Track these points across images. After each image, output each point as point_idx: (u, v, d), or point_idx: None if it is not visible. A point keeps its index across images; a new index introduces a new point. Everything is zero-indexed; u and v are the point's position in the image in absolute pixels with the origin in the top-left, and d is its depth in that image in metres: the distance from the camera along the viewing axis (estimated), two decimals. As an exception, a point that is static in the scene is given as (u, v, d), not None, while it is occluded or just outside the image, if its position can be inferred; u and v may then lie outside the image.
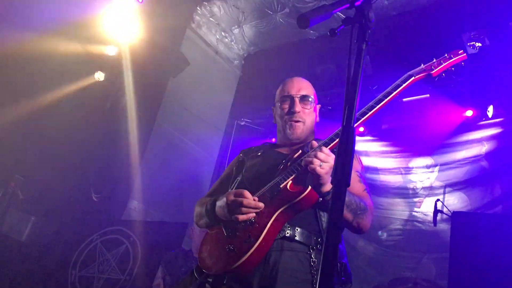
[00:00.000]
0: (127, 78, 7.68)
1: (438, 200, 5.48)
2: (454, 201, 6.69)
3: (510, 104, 6.29)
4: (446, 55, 2.54)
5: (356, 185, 2.29)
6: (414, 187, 7.29)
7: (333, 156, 2.03)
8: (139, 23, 7.54)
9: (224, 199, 2.16)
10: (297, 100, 2.51)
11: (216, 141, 8.93)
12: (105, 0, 7.39)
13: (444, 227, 6.19)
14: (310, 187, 2.05)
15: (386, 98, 2.28)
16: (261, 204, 2.09)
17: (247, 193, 2.11)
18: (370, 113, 2.22)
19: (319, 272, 2.01)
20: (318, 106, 2.65)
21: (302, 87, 2.58)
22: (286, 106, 2.54)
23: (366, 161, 7.21)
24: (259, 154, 2.53)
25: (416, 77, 2.43)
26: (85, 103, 7.65)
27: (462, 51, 2.54)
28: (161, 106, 8.00)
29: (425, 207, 7.04)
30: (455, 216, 4.89)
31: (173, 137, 8.14)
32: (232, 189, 2.37)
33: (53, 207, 7.29)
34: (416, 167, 7.37)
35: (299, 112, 2.50)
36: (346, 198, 2.07)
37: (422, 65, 2.50)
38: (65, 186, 7.45)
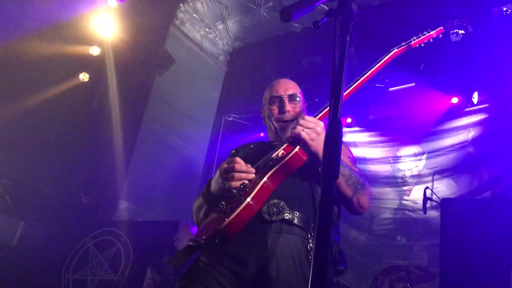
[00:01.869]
0: (112, 78, 7.63)
1: (427, 187, 5.53)
2: (443, 188, 6.75)
3: (494, 90, 6.35)
4: (425, 31, 2.73)
5: (349, 163, 2.32)
6: (403, 176, 7.34)
7: (319, 123, 2.14)
8: (121, 22, 7.48)
9: (218, 171, 2.21)
10: (286, 100, 2.53)
11: (205, 137, 8.91)
12: (87, 0, 7.32)
13: (434, 214, 6.24)
14: (298, 147, 2.11)
15: (369, 70, 2.43)
16: (253, 170, 2.14)
17: (238, 159, 2.16)
18: (354, 85, 2.36)
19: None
20: (305, 104, 2.66)
21: (289, 87, 2.59)
22: (275, 107, 2.55)
23: (355, 152, 7.22)
24: (251, 146, 2.55)
25: (397, 50, 2.60)
26: (71, 105, 7.58)
27: (441, 28, 2.74)
28: (148, 104, 7.96)
29: (415, 195, 7.09)
30: (444, 203, 4.95)
31: (161, 135, 8.11)
32: None
33: (43, 211, 7.23)
34: (404, 156, 7.42)
35: (289, 111, 2.51)
36: (347, 172, 2.12)
37: (403, 42, 2.67)
38: (53, 190, 7.39)
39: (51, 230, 6.85)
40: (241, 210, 2.00)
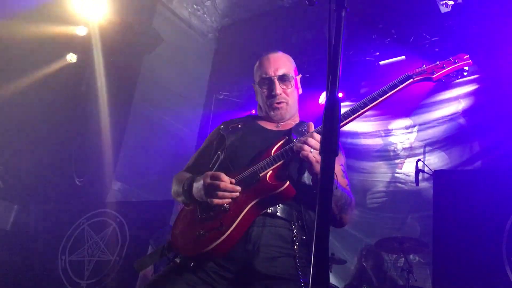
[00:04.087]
0: (99, 58, 7.53)
1: (419, 160, 5.57)
2: (435, 160, 6.81)
3: (484, 61, 6.35)
4: (450, 58, 2.36)
5: (340, 180, 2.19)
6: (395, 149, 7.39)
7: None
8: (107, 1, 7.35)
9: (201, 181, 2.12)
10: (276, 82, 2.40)
11: (196, 116, 8.88)
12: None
13: (426, 186, 6.31)
14: (288, 182, 2.00)
15: (381, 97, 2.19)
16: (238, 188, 2.06)
17: (224, 177, 2.07)
18: (362, 110, 2.16)
19: (300, 246, 2.05)
20: (298, 77, 2.54)
21: (279, 65, 2.44)
22: (265, 89, 2.44)
23: (347, 126, 7.23)
24: (239, 126, 2.45)
25: (415, 79, 2.28)
26: (60, 86, 7.50)
27: (467, 56, 2.35)
28: (137, 85, 7.89)
29: (407, 168, 7.15)
30: (437, 175, 4.99)
31: (152, 115, 8.07)
32: (213, 167, 2.32)
33: (36, 194, 7.22)
34: (395, 129, 7.46)
35: (280, 94, 2.40)
36: (338, 193, 2.03)
37: (424, 66, 2.33)
38: (46, 173, 7.36)
39: (45, 213, 6.85)
40: (220, 243, 1.96)
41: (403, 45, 6.83)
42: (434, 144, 6.94)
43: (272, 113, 2.43)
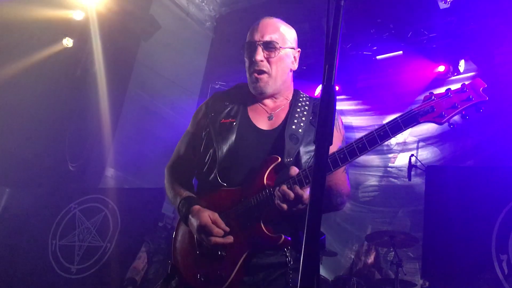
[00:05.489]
0: (96, 43, 7.48)
1: (412, 155, 5.60)
2: (428, 155, 6.85)
3: (481, 59, 6.37)
4: (465, 89, 1.91)
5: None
6: (389, 143, 7.42)
7: (306, 197, 1.85)
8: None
9: (196, 225, 2.02)
10: (259, 47, 2.16)
11: (191, 105, 8.85)
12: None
13: (418, 181, 6.35)
14: (283, 237, 1.93)
15: (382, 140, 1.89)
16: (230, 240, 2.00)
17: (216, 231, 1.99)
18: (359, 154, 1.88)
19: (293, 264, 2.03)
20: (295, 51, 2.29)
21: (267, 31, 2.20)
22: (247, 58, 2.22)
23: (342, 120, 7.24)
24: (232, 124, 2.21)
25: (421, 121, 1.95)
26: (55, 71, 7.45)
27: (485, 86, 1.89)
28: (133, 71, 7.85)
29: (399, 162, 7.19)
30: (429, 170, 5.02)
31: (147, 102, 8.04)
32: (207, 160, 2.20)
33: (28, 178, 7.19)
34: (390, 124, 7.48)
35: (261, 61, 2.15)
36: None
37: (433, 97, 1.94)
38: (39, 157, 7.33)
39: (37, 197, 6.82)
40: None
41: (401, 40, 6.83)
42: (427, 140, 6.98)
43: (252, 85, 2.22)
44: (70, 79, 7.68)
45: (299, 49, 2.33)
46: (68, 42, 7.55)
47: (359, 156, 1.88)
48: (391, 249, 5.43)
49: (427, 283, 4.41)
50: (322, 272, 6.11)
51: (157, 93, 8.19)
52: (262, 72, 2.17)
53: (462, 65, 6.49)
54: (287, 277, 2.02)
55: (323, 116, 1.10)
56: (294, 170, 1.93)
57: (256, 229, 1.98)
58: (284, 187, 1.87)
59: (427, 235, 4.43)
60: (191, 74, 8.88)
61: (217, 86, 8.96)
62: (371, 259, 5.87)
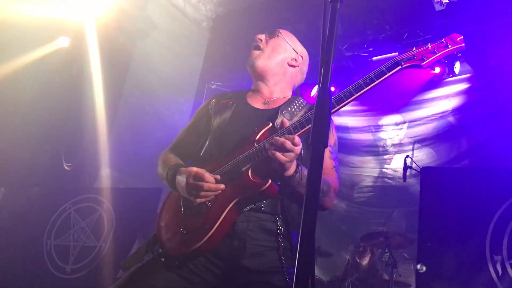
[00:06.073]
0: (92, 43, 7.45)
1: (407, 156, 5.62)
2: (423, 157, 6.88)
3: (476, 60, 6.40)
4: (443, 40, 2.17)
5: (326, 161, 2.13)
6: (384, 144, 7.44)
7: (299, 145, 1.89)
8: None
9: (185, 179, 2.05)
10: (265, 34, 2.45)
11: (187, 105, 8.83)
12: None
13: (413, 182, 6.37)
14: (270, 181, 1.94)
15: (367, 85, 2.01)
16: (222, 187, 2.01)
17: (207, 177, 2.01)
18: (347, 101, 2.02)
19: (284, 238, 2.05)
20: (299, 57, 2.47)
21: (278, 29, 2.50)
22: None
23: (337, 120, 7.29)
24: (230, 103, 2.36)
25: (404, 65, 2.09)
26: (51, 70, 7.42)
27: (461, 38, 2.18)
28: (129, 71, 7.83)
29: (395, 164, 7.21)
30: (424, 171, 5.03)
31: (143, 102, 8.02)
32: (200, 150, 2.27)
33: (23, 178, 7.16)
34: (385, 125, 7.51)
35: (260, 39, 2.41)
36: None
37: (414, 48, 2.12)
38: (34, 156, 7.30)
39: (32, 197, 6.79)
40: (204, 242, 1.95)
41: (397, 42, 6.85)
42: (423, 141, 7.01)
43: (249, 65, 2.40)
44: (66, 78, 7.65)
45: (301, 57, 2.48)
46: (64, 41, 7.53)
47: (345, 104, 2.04)
48: (386, 250, 5.45)
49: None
50: (318, 273, 6.12)
51: (153, 93, 8.17)
52: (257, 48, 2.39)
53: (457, 67, 6.52)
54: (278, 254, 2.04)
55: (319, 118, 1.11)
56: (285, 122, 1.99)
57: (243, 177, 2.00)
58: (277, 137, 1.91)
59: (422, 236, 4.44)
60: (188, 74, 8.86)
61: (213, 87, 8.95)
62: (366, 260, 5.88)
